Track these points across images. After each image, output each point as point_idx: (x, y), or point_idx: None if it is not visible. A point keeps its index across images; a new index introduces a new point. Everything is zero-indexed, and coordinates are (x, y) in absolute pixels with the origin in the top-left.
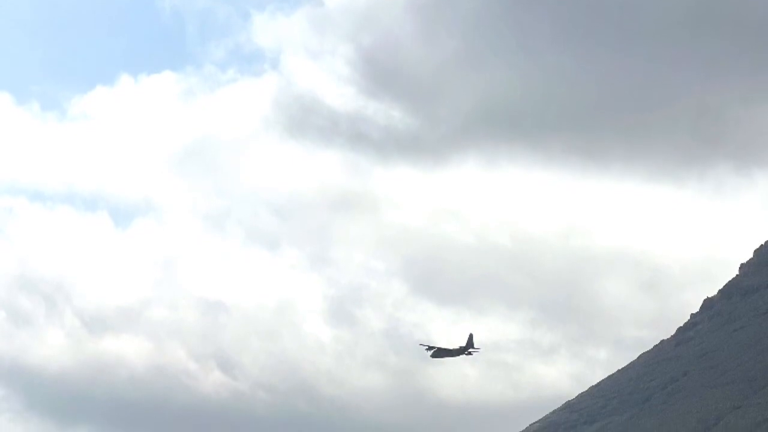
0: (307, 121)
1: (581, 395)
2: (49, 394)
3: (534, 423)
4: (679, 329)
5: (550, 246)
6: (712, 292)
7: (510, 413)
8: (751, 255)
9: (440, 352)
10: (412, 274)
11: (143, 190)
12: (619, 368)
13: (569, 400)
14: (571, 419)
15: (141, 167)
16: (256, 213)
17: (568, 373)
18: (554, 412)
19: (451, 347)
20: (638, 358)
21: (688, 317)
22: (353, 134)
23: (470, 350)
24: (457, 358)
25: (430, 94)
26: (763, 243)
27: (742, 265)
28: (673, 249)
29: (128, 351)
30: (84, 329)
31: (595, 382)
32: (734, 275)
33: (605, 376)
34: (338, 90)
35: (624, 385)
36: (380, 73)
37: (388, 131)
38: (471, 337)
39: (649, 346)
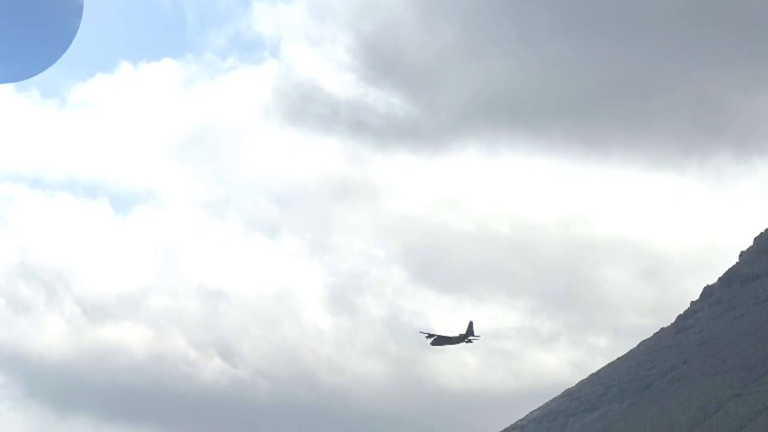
0: (307, 108)
1: (581, 383)
2: (49, 382)
3: (534, 411)
4: (679, 317)
5: (550, 234)
6: (712, 279)
7: (510, 401)
8: (751, 243)
9: (440, 340)
10: (412, 262)
11: (143, 178)
12: (619, 356)
13: (569, 388)
14: (571, 407)
15: (141, 155)
16: (257, 201)
17: (568, 361)
18: (554, 399)
19: (451, 335)
20: (638, 345)
21: (688, 305)
22: (353, 122)
23: (470, 338)
24: (457, 345)
25: (430, 82)
26: (763, 231)
27: (742, 252)
28: (673, 237)
29: (128, 339)
30: (84, 317)
31: (595, 370)
32: (734, 263)
33: (605, 363)
34: (338, 78)
35: (624, 372)
36: (380, 60)
37: (388, 119)
38: (471, 324)
39: (649, 334)
